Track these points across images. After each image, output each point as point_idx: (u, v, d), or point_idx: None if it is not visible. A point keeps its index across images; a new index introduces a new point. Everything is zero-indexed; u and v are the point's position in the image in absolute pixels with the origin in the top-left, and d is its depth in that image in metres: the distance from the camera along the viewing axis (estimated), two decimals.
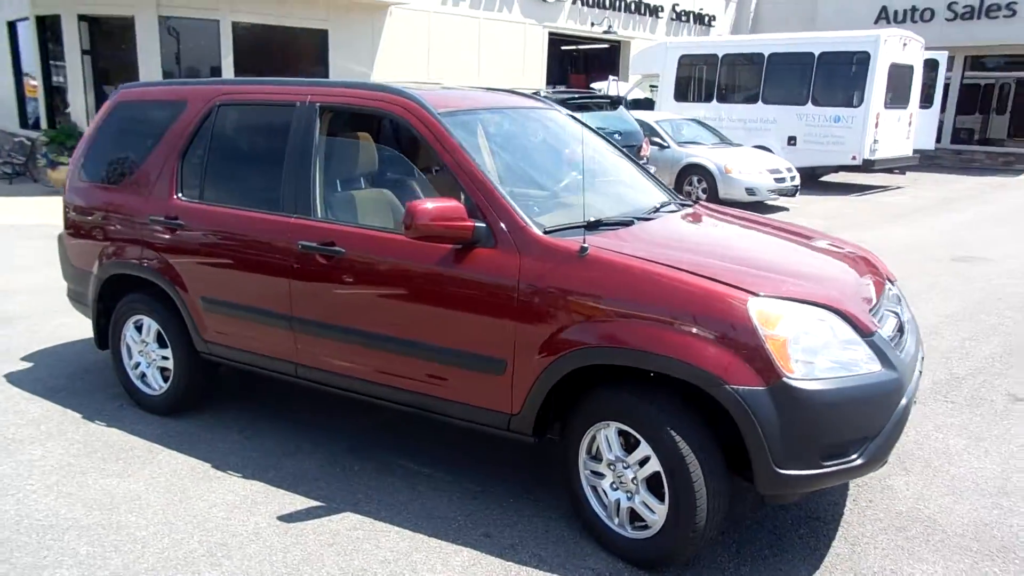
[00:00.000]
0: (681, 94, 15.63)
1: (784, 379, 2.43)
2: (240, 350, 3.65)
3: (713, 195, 11.28)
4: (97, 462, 3.53)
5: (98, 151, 4.19)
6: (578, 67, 23.86)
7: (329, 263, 3.23)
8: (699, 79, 15.44)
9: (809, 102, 13.87)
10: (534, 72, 18.02)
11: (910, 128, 14.46)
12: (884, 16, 19.40)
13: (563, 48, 21.74)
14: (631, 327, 2.60)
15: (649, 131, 11.63)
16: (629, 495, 2.75)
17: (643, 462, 2.67)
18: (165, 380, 4.00)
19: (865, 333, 2.60)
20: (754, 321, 2.47)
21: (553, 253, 2.79)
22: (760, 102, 14.50)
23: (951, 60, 17.34)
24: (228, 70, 13.16)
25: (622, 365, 2.64)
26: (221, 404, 4.16)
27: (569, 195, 3.48)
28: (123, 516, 3.09)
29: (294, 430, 3.88)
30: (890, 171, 14.59)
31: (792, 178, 11.69)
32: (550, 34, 18.34)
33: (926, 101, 14.99)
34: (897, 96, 13.74)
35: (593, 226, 2.95)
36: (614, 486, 2.80)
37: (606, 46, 21.27)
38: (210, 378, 4.04)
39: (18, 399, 4.22)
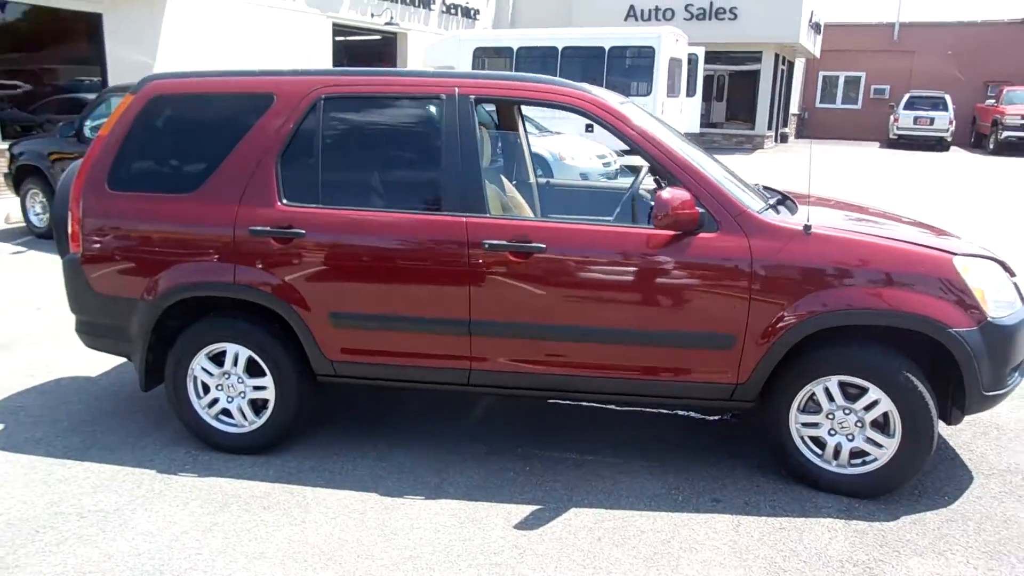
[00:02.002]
0: None
1: (988, 319, 2.98)
2: (384, 366, 3.36)
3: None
4: (248, 517, 3.05)
5: (134, 156, 3.50)
6: (359, 60, 23.30)
7: (525, 261, 3.14)
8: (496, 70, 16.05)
9: None
10: (322, 63, 17.33)
11: (681, 114, 16.50)
12: (632, 14, 21.67)
13: (337, 39, 21.10)
14: (863, 291, 2.98)
15: None
16: (850, 437, 3.13)
17: (870, 406, 3.07)
18: (257, 413, 3.52)
19: (1012, 276, 3.25)
20: (962, 275, 2.99)
21: (780, 233, 3.05)
22: None
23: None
24: None
25: (848, 325, 3.01)
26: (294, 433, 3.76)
27: None
28: (370, 563, 2.77)
29: (413, 441, 3.66)
30: None
31: (614, 162, 12.80)
32: (334, 25, 17.76)
33: (691, 90, 17.18)
34: (672, 86, 15.60)
35: (775, 208, 3.27)
36: (831, 432, 3.16)
37: (378, 37, 21.06)
38: (314, 404, 3.63)
39: (60, 457, 3.43)
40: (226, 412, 3.54)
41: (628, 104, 3.49)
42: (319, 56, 17.34)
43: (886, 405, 3.04)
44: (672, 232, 3.06)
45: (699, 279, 3.06)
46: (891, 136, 23.48)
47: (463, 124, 3.24)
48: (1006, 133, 20.90)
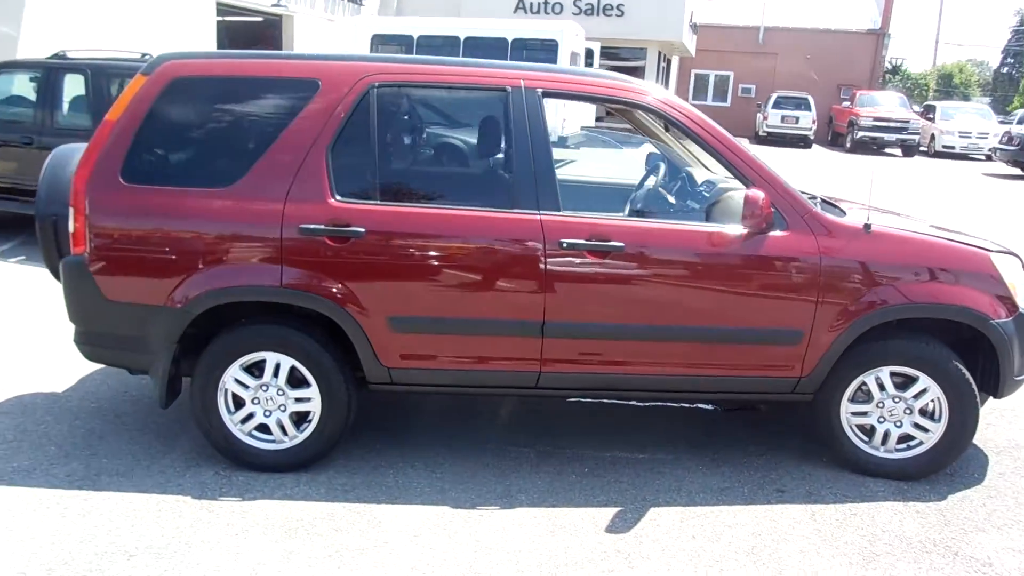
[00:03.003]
0: None
1: (1020, 310, 3.26)
2: (438, 371, 3.20)
3: None
4: (323, 543, 2.82)
5: (152, 146, 3.13)
6: (242, 42, 21.93)
7: (602, 260, 3.08)
8: None
9: None
10: (204, 45, 16.17)
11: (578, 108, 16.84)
12: (522, 6, 21.83)
13: (220, 19, 19.77)
14: (920, 286, 3.17)
15: None
16: (898, 424, 3.32)
17: (919, 394, 3.27)
18: (298, 427, 3.25)
19: None
20: (999, 270, 3.24)
21: (843, 231, 3.18)
22: None
23: None
24: None
25: (907, 317, 3.19)
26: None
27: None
28: None
29: (455, 448, 3.52)
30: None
31: None
32: (218, 4, 16.62)
33: None
34: None
35: (830, 205, 3.40)
36: (881, 419, 3.33)
37: (261, 19, 19.96)
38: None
39: (68, 487, 3.01)
40: (262, 428, 3.24)
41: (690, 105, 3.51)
42: (201, 37, 16.18)
43: (935, 392, 3.24)
44: (746, 231, 3.11)
45: (772, 277, 3.14)
46: (760, 133, 25.08)
47: (532, 118, 3.13)
48: (861, 133, 22.90)
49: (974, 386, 3.23)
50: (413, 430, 3.72)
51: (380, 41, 15.57)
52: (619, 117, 4.08)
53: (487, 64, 3.25)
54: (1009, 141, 18.39)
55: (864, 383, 3.30)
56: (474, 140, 3.26)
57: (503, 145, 3.15)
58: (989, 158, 21.60)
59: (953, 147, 22.62)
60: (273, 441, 3.26)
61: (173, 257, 3.08)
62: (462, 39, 15.26)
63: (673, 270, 3.13)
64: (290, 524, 2.91)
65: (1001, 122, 23.51)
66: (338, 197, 3.08)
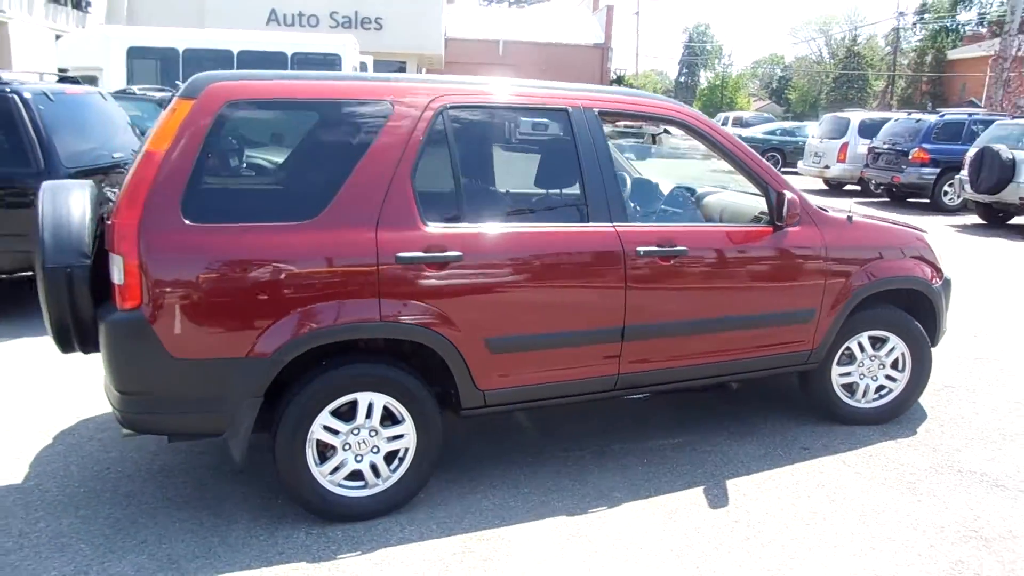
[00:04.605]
0: None
1: (946, 277, 4.14)
2: (531, 387, 3.25)
3: None
4: (500, 570, 2.76)
5: (213, 178, 2.77)
6: None
7: (669, 264, 3.35)
8: (160, 76, 14.20)
9: None
10: None
11: None
12: (275, 18, 20.90)
13: None
14: (893, 263, 3.89)
15: None
16: (874, 378, 4.03)
17: (890, 352, 4.00)
18: (390, 467, 3.09)
19: None
20: (932, 247, 4.09)
21: (835, 222, 3.78)
22: None
23: None
24: None
25: (882, 290, 3.89)
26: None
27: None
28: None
29: (500, 458, 3.58)
30: None
31: None
32: None
33: None
34: None
35: None
36: (861, 377, 4.02)
37: None
38: None
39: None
40: (354, 474, 3.02)
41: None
42: None
43: (901, 348, 4.00)
44: (774, 228, 3.58)
45: (795, 265, 3.65)
46: (512, 141, 26.60)
47: (595, 136, 3.30)
48: None
49: (927, 339, 4.04)
50: (456, 458, 3.66)
51: (138, 54, 13.99)
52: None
53: (546, 85, 3.35)
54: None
55: (848, 347, 3.96)
56: (548, 158, 3.33)
57: (573, 162, 3.27)
58: None
59: None
60: (364, 487, 3.06)
61: (255, 302, 2.77)
62: (235, 53, 14.27)
63: (725, 266, 3.51)
64: (436, 565, 2.79)
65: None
66: (428, 222, 2.99)
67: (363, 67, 17.37)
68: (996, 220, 11.74)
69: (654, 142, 4.20)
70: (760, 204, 3.83)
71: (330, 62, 14.61)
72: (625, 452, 3.72)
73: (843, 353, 3.97)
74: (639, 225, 3.37)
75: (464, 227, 3.06)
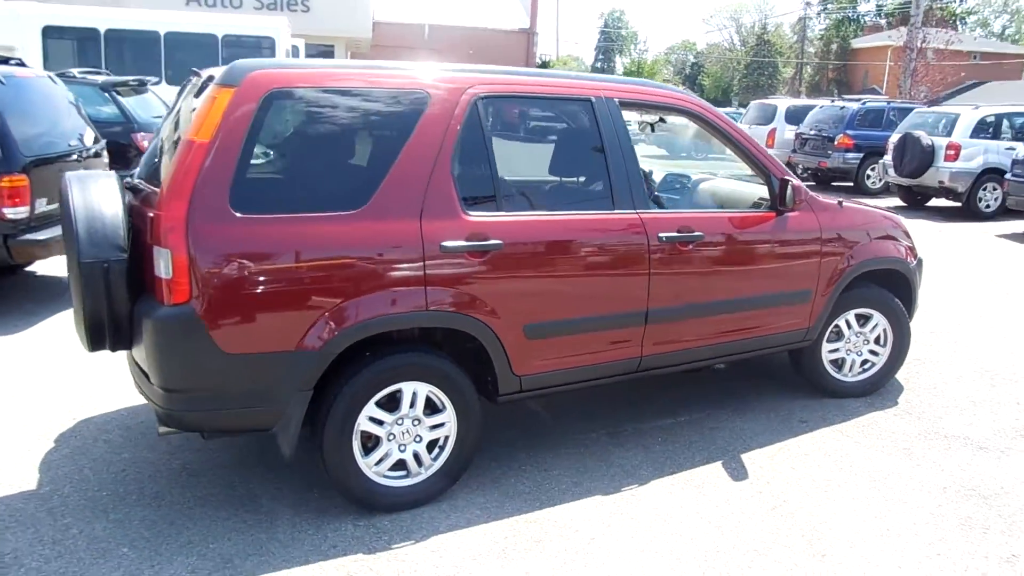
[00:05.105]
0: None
1: (919, 257, 4.45)
2: (563, 371, 3.33)
3: None
4: (557, 549, 2.85)
5: (261, 169, 2.71)
6: None
7: (687, 249, 3.47)
8: (78, 58, 13.41)
9: None
10: None
11: None
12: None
13: None
14: (878, 244, 4.15)
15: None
16: (859, 353, 4.30)
17: (874, 328, 4.27)
18: (432, 455, 3.11)
19: None
20: (907, 228, 4.38)
21: (828, 207, 3.99)
22: (164, 82, 13.78)
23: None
24: None
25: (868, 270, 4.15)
26: None
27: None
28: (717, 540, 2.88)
29: (540, 446, 3.68)
30: None
31: None
32: None
33: None
34: None
35: None
36: (848, 352, 4.29)
37: None
38: None
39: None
40: (397, 464, 3.04)
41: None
42: None
43: (883, 324, 4.28)
44: (775, 213, 3.76)
45: (797, 247, 3.85)
46: None
47: (617, 125, 3.38)
48: (532, 123, 25.54)
49: (906, 315, 4.33)
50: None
51: (54, 34, 13.19)
52: None
53: (568, 75, 3.40)
54: None
55: (837, 325, 4.21)
56: (576, 147, 3.38)
57: (598, 150, 3.34)
58: None
59: None
60: (407, 476, 3.08)
61: (305, 294, 2.73)
62: (162, 35, 13.65)
63: (736, 250, 3.67)
64: (492, 548, 2.85)
65: None
66: (468, 211, 3.01)
67: (295, 51, 16.90)
68: (916, 203, 12.53)
69: (652, 131, 4.30)
70: (756, 191, 4.02)
71: (264, 46, 14.18)
72: (638, 432, 3.86)
73: (831, 331, 4.22)
74: (660, 212, 3.49)
75: (502, 215, 3.09)
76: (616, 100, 3.45)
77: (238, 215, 2.64)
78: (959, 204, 11.53)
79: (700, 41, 74.21)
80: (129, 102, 8.24)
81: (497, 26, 30.24)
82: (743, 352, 3.90)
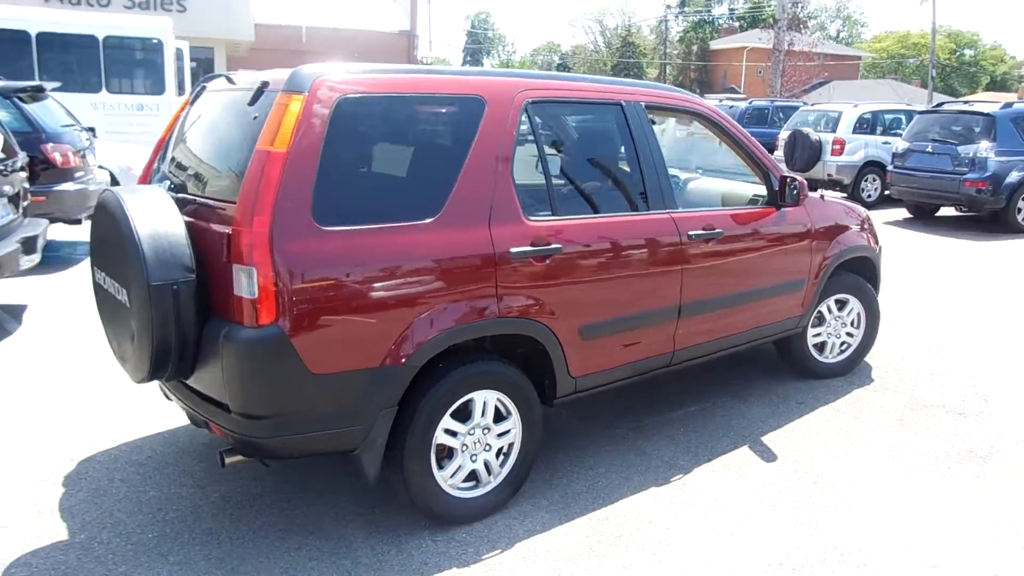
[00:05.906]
0: None
1: (880, 244, 4.87)
2: (610, 370, 3.42)
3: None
4: (633, 543, 2.93)
5: (340, 179, 2.60)
6: None
7: (709, 245, 3.65)
8: None
9: (104, 90, 13.02)
10: None
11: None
12: None
13: None
14: (856, 234, 4.51)
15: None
16: (838, 336, 4.65)
17: (850, 312, 4.63)
18: (500, 462, 3.11)
19: None
20: (871, 219, 4.78)
21: (815, 201, 4.30)
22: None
23: None
24: None
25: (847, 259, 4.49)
26: None
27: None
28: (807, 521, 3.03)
29: (567, 445, 3.75)
30: None
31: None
32: None
33: (181, 88, 15.89)
34: (179, 83, 14.34)
35: None
36: (829, 335, 4.62)
37: None
38: None
39: None
40: (470, 475, 3.01)
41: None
42: None
43: (857, 308, 4.66)
44: (775, 208, 4.01)
45: (794, 238, 4.12)
46: None
47: (646, 128, 3.50)
48: None
49: (876, 297, 4.72)
50: None
51: None
52: None
53: (599, 79, 3.49)
54: None
55: (820, 311, 4.54)
56: (614, 150, 3.44)
57: (631, 152, 3.44)
58: None
59: None
60: (476, 486, 3.06)
61: (391, 307, 2.67)
62: (34, 35, 12.48)
63: (750, 243, 3.89)
64: (579, 549, 2.90)
65: None
66: (529, 216, 3.02)
67: (179, 55, 15.96)
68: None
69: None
70: (749, 188, 4.26)
71: (150, 47, 13.31)
72: (659, 424, 4.00)
73: (815, 316, 4.54)
74: (686, 211, 3.64)
75: (558, 219, 3.14)
76: (642, 103, 3.57)
77: (323, 228, 2.53)
78: (845, 195, 12.58)
79: (565, 43, 76.24)
80: (33, 109, 7.49)
81: (377, 28, 29.80)
82: (752, 341, 4.13)
